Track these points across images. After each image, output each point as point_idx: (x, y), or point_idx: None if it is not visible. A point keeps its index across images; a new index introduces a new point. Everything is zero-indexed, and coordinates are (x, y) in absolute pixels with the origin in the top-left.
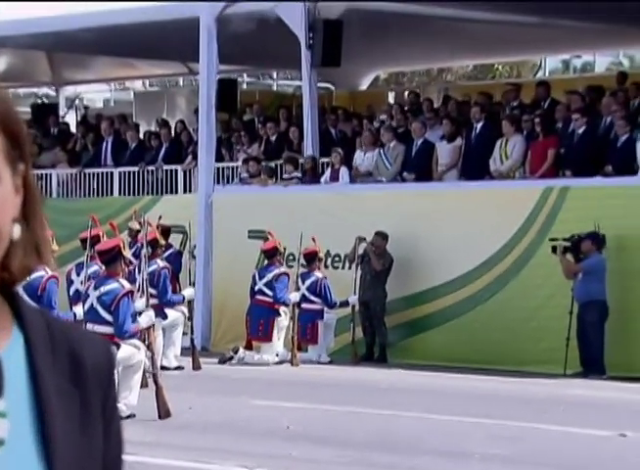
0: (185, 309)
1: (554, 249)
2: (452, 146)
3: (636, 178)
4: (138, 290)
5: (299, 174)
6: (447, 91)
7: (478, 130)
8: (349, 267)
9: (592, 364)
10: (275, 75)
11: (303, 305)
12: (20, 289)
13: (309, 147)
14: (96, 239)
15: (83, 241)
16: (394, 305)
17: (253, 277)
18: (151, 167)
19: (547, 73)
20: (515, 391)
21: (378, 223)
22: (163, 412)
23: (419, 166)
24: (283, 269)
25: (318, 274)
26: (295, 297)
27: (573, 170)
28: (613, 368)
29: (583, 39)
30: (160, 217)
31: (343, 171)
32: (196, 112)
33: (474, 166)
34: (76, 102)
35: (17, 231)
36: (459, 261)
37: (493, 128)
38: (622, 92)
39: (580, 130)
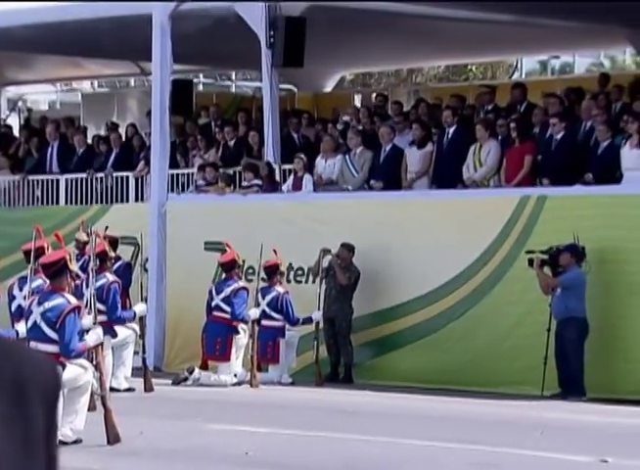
0: (136, 327)
1: (530, 262)
2: (422, 152)
3: (618, 187)
4: (85, 306)
5: (260, 182)
6: (417, 93)
7: (450, 135)
8: (313, 281)
9: (571, 385)
10: (233, 76)
11: (264, 322)
12: None
13: (270, 153)
14: (40, 251)
15: (27, 253)
16: (361, 321)
17: (210, 292)
18: (100, 174)
19: (524, 75)
20: (489, 413)
21: (343, 234)
22: (112, 437)
23: (387, 174)
24: (242, 284)
25: (279, 289)
26: (254, 313)
27: (551, 178)
28: (593, 389)
29: (562, 39)
30: (106, 228)
31: (307, 179)
32: (148, 114)
33: (445, 174)
34: (19, 104)
35: None
36: (430, 276)
37: (466, 133)
38: (604, 95)
39: (559, 136)
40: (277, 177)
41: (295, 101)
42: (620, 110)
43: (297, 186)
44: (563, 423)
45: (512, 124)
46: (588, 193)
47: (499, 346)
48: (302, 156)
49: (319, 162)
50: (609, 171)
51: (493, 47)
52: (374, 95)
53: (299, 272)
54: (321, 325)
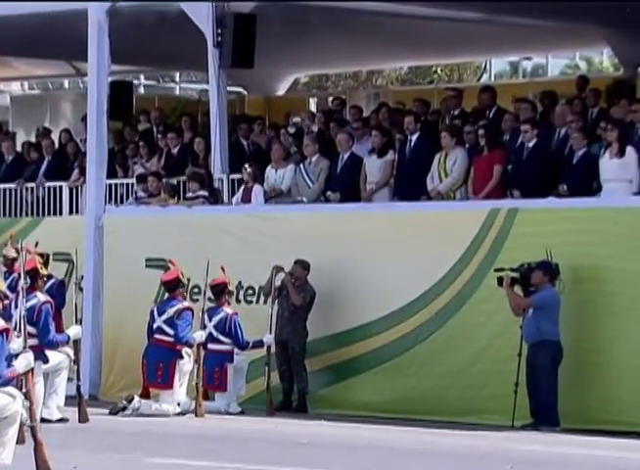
0: (70, 351)
1: (500, 281)
2: (383, 161)
3: (595, 200)
4: (14, 328)
5: (206, 193)
6: (378, 97)
7: (413, 143)
8: (264, 302)
9: (544, 414)
10: (177, 78)
11: (210, 346)
12: None
13: (217, 161)
14: None
15: None
16: (317, 345)
17: (151, 313)
18: (30, 184)
19: (493, 78)
20: (455, 445)
21: (297, 250)
22: None
23: (345, 185)
24: (186, 304)
25: (227, 310)
26: (200, 336)
27: (523, 190)
28: (567, 419)
29: (535, 39)
30: (36, 243)
31: (257, 190)
32: (84, 119)
33: (408, 185)
34: None
35: None
36: (392, 295)
37: (431, 141)
38: (579, 100)
39: (531, 144)
40: (224, 188)
41: (244, 105)
42: (597, 116)
43: (247, 198)
44: (535, 456)
45: (480, 131)
46: (562, 206)
47: (466, 371)
48: (249, 165)
49: (269, 171)
50: (585, 182)
51: (460, 47)
52: (331, 99)
53: (250, 292)
54: (273, 349)
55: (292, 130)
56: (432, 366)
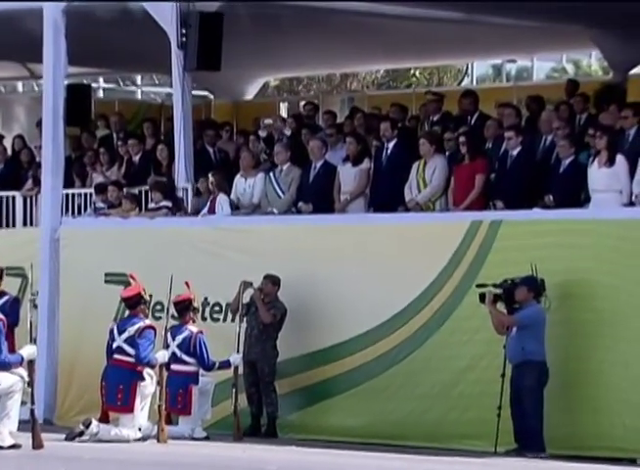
0: (24, 373)
1: (482, 297)
2: (358, 170)
3: (583, 211)
4: None
5: (169, 203)
6: (353, 102)
7: (389, 151)
8: (232, 319)
9: (529, 439)
10: (139, 81)
11: (173, 367)
12: None
13: (181, 170)
14: None
15: None
16: (287, 366)
17: (111, 332)
18: None
19: (475, 82)
20: None
21: (267, 265)
22: None
23: (318, 195)
24: (148, 322)
25: (192, 328)
26: (162, 356)
27: (507, 201)
28: (554, 444)
29: (519, 40)
30: None
31: (221, 200)
32: (39, 125)
33: (385, 195)
34: None
35: None
36: (368, 312)
37: (409, 148)
38: (566, 105)
39: (515, 152)
40: (188, 198)
41: (210, 110)
42: (586, 122)
43: (213, 209)
44: None
45: (461, 138)
46: (549, 218)
47: (447, 394)
48: (218, 173)
49: (238, 181)
50: (572, 193)
51: (440, 49)
52: (302, 103)
53: (216, 309)
54: (240, 370)
55: (263, 134)
56: (410, 388)
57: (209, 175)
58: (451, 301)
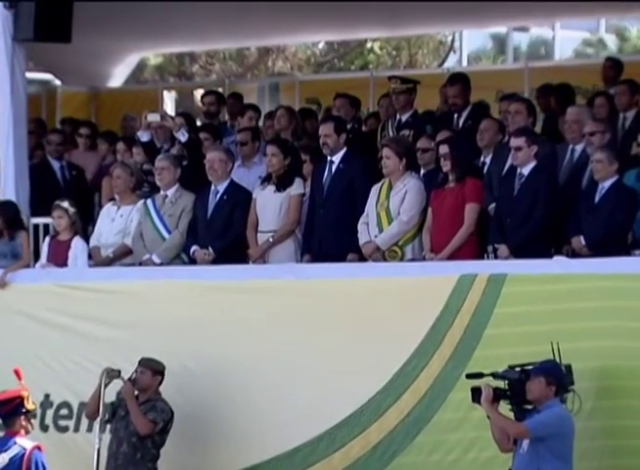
0: None
1: (476, 394)
2: (285, 196)
3: (629, 261)
4: None
5: None
6: (277, 91)
7: (334, 167)
8: (88, 428)
9: None
10: None
11: None
12: None
13: (10, 195)
14: None
15: None
16: None
17: None
18: None
19: (465, 61)
20: None
21: (144, 343)
22: None
23: (222, 234)
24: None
25: (24, 442)
26: None
27: (513, 245)
28: None
29: None
30: None
31: (77, 245)
32: None
33: (327, 236)
34: None
35: None
36: (304, 416)
37: (364, 163)
38: (605, 98)
39: (526, 169)
40: (22, 239)
41: (56, 103)
42: (635, 123)
43: (60, 257)
44: None
45: (443, 148)
46: (577, 271)
47: None
48: (67, 203)
49: (104, 213)
50: (614, 233)
51: (413, 11)
52: (199, 94)
53: (63, 412)
54: None
55: (144, 138)
56: None
57: (55, 205)
58: (430, 397)
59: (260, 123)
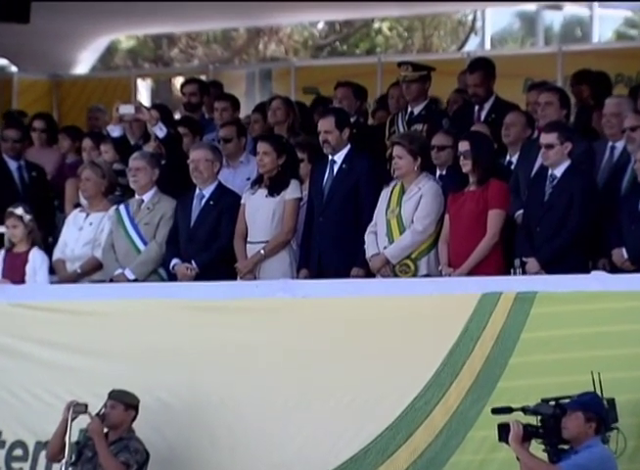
0: None
1: (503, 431)
2: (279, 202)
3: None
4: None
5: None
6: (270, 79)
7: (336, 168)
8: None
9: None
10: None
11: None
12: None
13: None
14: None
15: None
16: None
17: None
18: None
19: (488, 44)
20: None
21: (116, 373)
22: None
23: (206, 246)
24: None
25: None
26: None
27: (544, 259)
28: None
29: None
30: None
31: (37, 256)
32: None
33: (326, 247)
34: None
35: None
36: (300, 457)
37: (371, 164)
38: None
39: (559, 170)
40: None
41: (11, 93)
42: None
43: (16, 272)
44: None
45: (463, 144)
46: (619, 288)
47: None
48: (22, 209)
49: (70, 221)
50: None
51: None
52: (179, 82)
53: (18, 453)
54: None
55: (115, 133)
56: None
57: (8, 212)
58: (447, 434)
59: (242, 116)
